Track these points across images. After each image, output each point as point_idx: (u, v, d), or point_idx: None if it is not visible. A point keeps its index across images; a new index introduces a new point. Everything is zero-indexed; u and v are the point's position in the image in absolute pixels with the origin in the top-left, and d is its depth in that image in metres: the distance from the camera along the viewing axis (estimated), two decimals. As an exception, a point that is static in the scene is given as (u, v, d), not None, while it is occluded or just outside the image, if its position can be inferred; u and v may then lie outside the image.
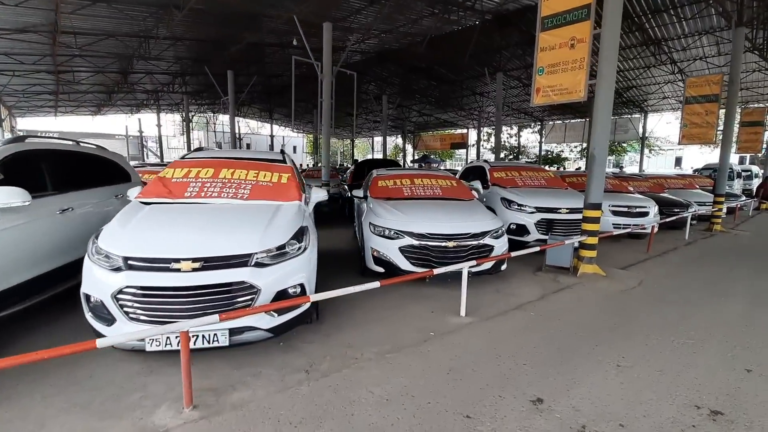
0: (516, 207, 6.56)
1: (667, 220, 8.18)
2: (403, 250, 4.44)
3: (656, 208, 8.20)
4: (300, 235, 3.20)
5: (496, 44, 14.37)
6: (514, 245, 6.25)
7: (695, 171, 20.67)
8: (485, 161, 8.67)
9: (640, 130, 24.72)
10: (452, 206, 5.26)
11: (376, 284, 3.23)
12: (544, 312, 4.11)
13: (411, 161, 38.08)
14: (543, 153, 32.17)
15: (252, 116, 34.74)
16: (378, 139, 49.54)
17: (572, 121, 27.23)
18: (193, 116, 30.08)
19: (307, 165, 39.39)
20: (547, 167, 31.29)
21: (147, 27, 13.08)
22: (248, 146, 49.66)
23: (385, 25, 13.69)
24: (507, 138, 35.51)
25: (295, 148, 51.04)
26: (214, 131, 39.70)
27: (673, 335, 3.61)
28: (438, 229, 4.45)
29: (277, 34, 13.58)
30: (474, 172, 8.63)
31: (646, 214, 8.01)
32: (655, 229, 7.90)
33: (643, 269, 6.00)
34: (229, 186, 3.86)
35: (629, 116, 25.07)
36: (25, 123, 32.34)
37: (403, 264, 4.44)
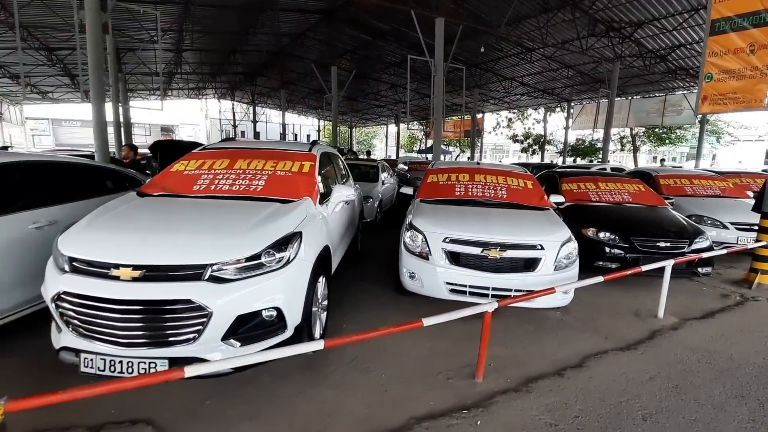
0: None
1: (603, 277, 3.46)
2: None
3: (570, 246, 3.53)
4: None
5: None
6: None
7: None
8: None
9: (699, 111, 18.07)
10: None
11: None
12: None
13: (417, 151, 33.51)
14: (572, 141, 26.01)
15: (244, 101, 32.16)
16: (393, 128, 45.16)
17: (604, 100, 21.01)
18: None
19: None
20: (575, 160, 25.23)
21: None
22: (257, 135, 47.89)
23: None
24: (533, 124, 29.62)
25: (308, 137, 48.29)
26: (234, 122, 38.01)
27: None
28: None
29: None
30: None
31: (531, 263, 3.40)
32: (538, 302, 3.37)
33: None
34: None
35: (684, 92, 18.46)
36: (31, 110, 32.77)
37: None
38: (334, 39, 17.32)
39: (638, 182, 6.28)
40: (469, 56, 17.99)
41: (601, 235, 4.86)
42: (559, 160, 25.90)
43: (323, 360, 2.83)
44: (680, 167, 14.55)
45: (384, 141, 46.48)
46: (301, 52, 19.37)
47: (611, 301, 4.28)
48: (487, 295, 3.35)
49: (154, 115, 29.89)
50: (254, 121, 28.38)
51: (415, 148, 38.23)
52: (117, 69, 18.81)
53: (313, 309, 2.90)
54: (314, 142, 4.19)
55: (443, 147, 32.77)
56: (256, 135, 44.40)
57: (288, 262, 2.47)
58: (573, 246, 3.50)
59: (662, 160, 17.35)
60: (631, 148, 23.71)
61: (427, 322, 2.24)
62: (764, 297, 4.57)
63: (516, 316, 3.66)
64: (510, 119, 29.60)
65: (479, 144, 30.24)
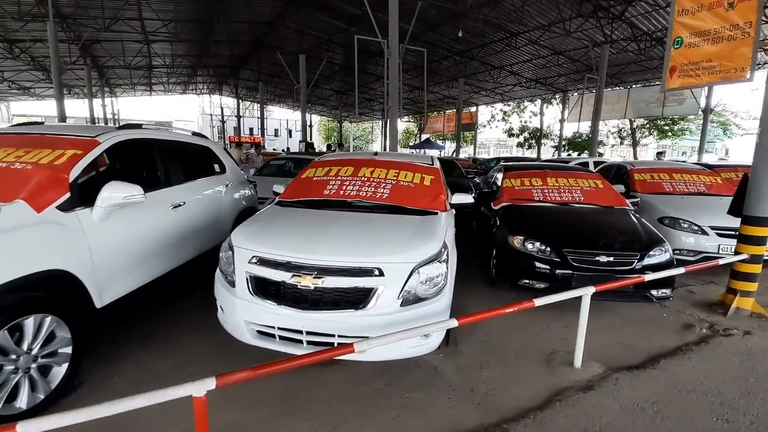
0: None
1: (457, 320, 2.33)
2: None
3: (432, 269, 2.41)
4: None
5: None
6: None
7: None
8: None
9: (702, 101, 16.60)
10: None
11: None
12: None
13: (411, 146, 32.40)
14: (570, 135, 24.62)
15: (232, 96, 31.28)
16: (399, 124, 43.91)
17: (607, 89, 19.58)
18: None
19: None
20: (570, 155, 23.81)
21: None
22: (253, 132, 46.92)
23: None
24: (529, 117, 28.24)
25: (300, 133, 47.16)
26: (222, 117, 37.31)
27: None
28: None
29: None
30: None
31: (365, 296, 2.33)
32: (371, 355, 2.31)
33: None
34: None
35: (686, 79, 16.97)
36: (19, 107, 32.45)
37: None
38: (306, 26, 16.29)
39: (597, 177, 5.13)
40: (452, 43, 16.80)
41: (529, 245, 3.77)
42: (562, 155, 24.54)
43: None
44: (683, 162, 13.09)
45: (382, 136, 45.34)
46: (276, 42, 18.37)
47: (526, 335, 3.19)
48: (301, 342, 2.30)
49: (148, 112, 29.33)
50: (238, 116, 27.52)
51: (410, 143, 37.13)
52: (85, 61, 18.13)
53: (7, 368, 1.95)
54: (125, 126, 3.18)
55: (438, 142, 31.57)
56: (250, 131, 43.66)
57: None
58: (437, 269, 2.41)
59: (659, 153, 15.87)
60: (632, 141, 22.22)
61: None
62: (741, 329, 3.44)
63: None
64: (505, 112, 28.23)
65: (474, 138, 28.98)
